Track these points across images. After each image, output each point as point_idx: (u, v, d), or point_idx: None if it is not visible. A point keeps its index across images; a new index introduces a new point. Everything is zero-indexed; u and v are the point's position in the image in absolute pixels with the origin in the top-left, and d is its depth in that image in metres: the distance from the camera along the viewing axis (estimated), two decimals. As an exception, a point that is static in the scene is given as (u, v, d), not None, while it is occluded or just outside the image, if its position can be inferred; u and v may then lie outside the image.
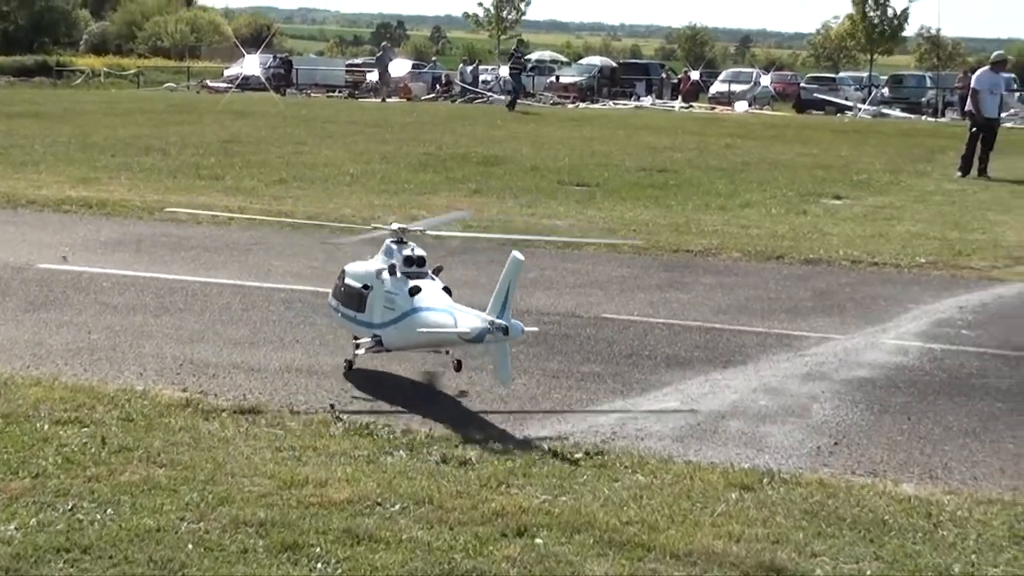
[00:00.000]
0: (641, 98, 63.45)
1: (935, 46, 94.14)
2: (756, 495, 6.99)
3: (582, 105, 57.75)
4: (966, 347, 10.85)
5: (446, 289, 8.75)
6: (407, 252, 8.88)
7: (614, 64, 76.83)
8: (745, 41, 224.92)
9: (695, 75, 73.74)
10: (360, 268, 9.22)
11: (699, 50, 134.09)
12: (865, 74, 78.05)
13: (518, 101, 50.05)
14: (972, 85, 27.44)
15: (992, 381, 9.75)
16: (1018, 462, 7.80)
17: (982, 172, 25.84)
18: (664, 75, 72.95)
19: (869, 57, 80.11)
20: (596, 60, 79.37)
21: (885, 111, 59.30)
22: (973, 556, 6.20)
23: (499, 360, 8.14)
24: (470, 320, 8.15)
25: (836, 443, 8.10)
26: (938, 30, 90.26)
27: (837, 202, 21.07)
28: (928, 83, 69.55)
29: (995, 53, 28.55)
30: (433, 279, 8.82)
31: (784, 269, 14.50)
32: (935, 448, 8.04)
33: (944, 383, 9.67)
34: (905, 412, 8.83)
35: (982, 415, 8.81)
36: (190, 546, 5.97)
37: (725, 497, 6.92)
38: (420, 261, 8.85)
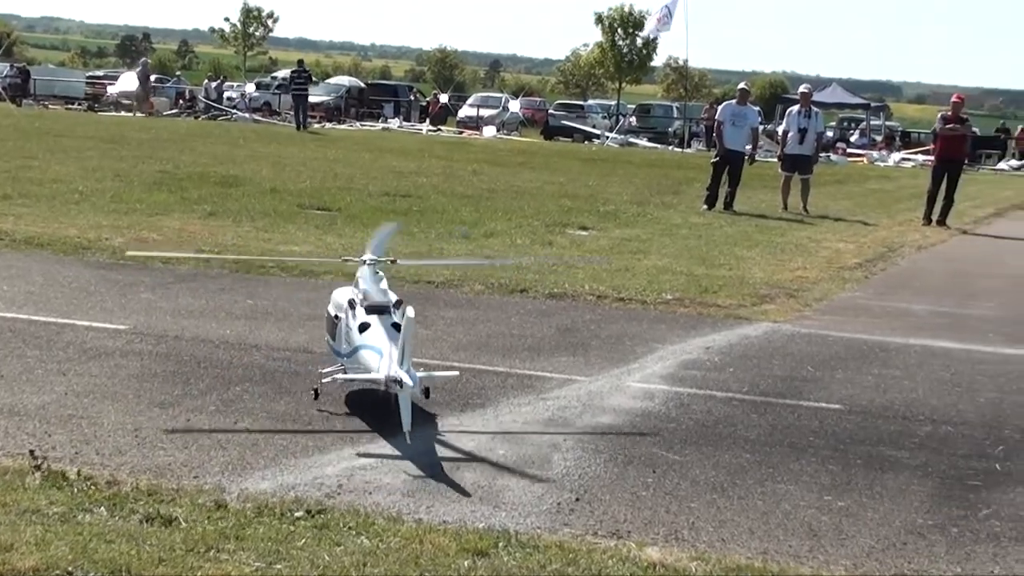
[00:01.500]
0: (389, 120, 62.88)
1: (682, 76, 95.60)
2: (491, 562, 6.38)
3: (328, 125, 56.85)
4: (713, 391, 10.44)
5: (395, 326, 8.54)
6: (372, 294, 8.88)
7: (362, 85, 76.15)
8: (495, 65, 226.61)
9: (444, 98, 73.59)
10: (338, 296, 9.28)
11: (449, 73, 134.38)
12: (613, 102, 78.90)
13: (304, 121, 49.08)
14: (716, 117, 27.54)
15: (740, 430, 9.31)
16: (767, 521, 7.33)
17: (728, 206, 25.86)
18: (413, 97, 72.56)
19: (617, 86, 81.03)
20: (344, 80, 78.48)
21: (632, 140, 59.89)
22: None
23: (401, 410, 7.91)
24: (383, 368, 8.13)
25: (578, 499, 7.54)
26: (685, 61, 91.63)
27: (584, 233, 20.73)
28: (675, 113, 70.61)
29: (740, 85, 28.72)
30: (390, 315, 8.68)
31: (528, 303, 13.98)
32: (681, 505, 7.54)
33: (691, 431, 9.20)
34: (650, 464, 8.32)
35: (730, 468, 8.35)
36: None
37: (456, 565, 6.29)
38: (383, 308, 8.77)
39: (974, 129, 31.54)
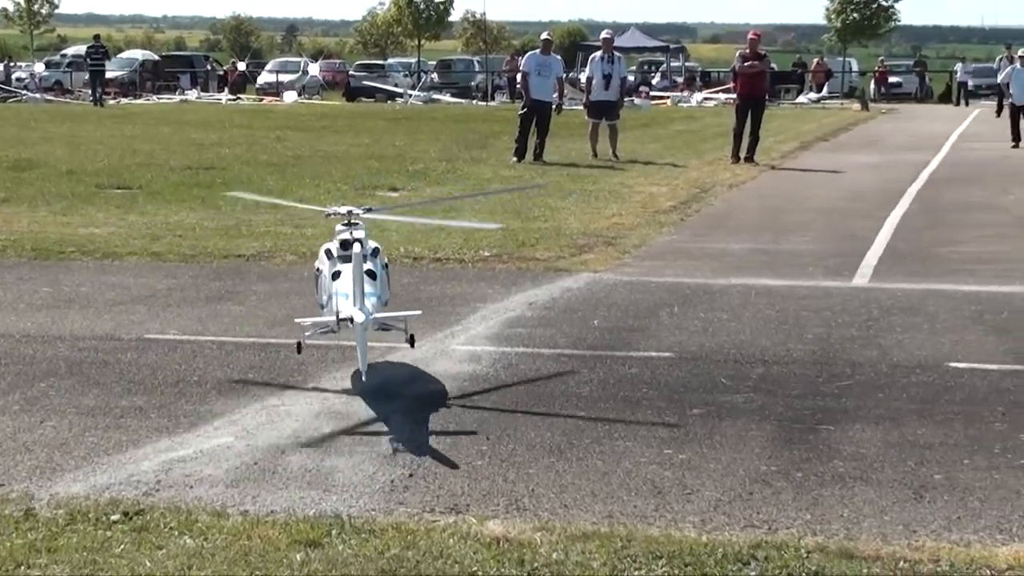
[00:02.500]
0: (187, 91, 61.58)
1: (481, 30, 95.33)
2: (325, 552, 6.02)
3: (124, 101, 55.42)
4: (541, 349, 10.18)
5: (370, 272, 8.52)
6: (344, 235, 8.81)
7: (156, 57, 74.51)
8: (291, 30, 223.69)
9: (242, 66, 72.31)
10: (320, 250, 9.23)
11: (245, 40, 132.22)
12: (414, 60, 78.37)
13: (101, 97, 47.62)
14: (521, 67, 27.30)
15: (572, 387, 9.04)
16: (608, 481, 7.07)
17: (537, 157, 25.64)
18: (210, 67, 71.20)
19: (417, 43, 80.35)
20: (137, 53, 76.69)
21: (436, 96, 59.53)
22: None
23: (358, 348, 7.96)
24: (341, 310, 8.17)
25: (411, 474, 7.20)
26: (483, 14, 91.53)
27: (394, 194, 20.35)
28: (476, 67, 70.44)
29: (543, 35, 28.50)
30: (363, 258, 8.34)
31: (343, 271, 13.57)
32: (519, 472, 7.24)
33: (522, 393, 8.91)
34: (483, 431, 8.02)
35: (565, 428, 8.07)
36: None
37: (289, 560, 5.92)
38: (353, 244, 8.55)
39: (772, 65, 31.68)
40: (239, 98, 59.21)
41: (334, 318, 8.26)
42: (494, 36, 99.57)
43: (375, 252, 8.99)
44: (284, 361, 9.72)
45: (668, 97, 57.41)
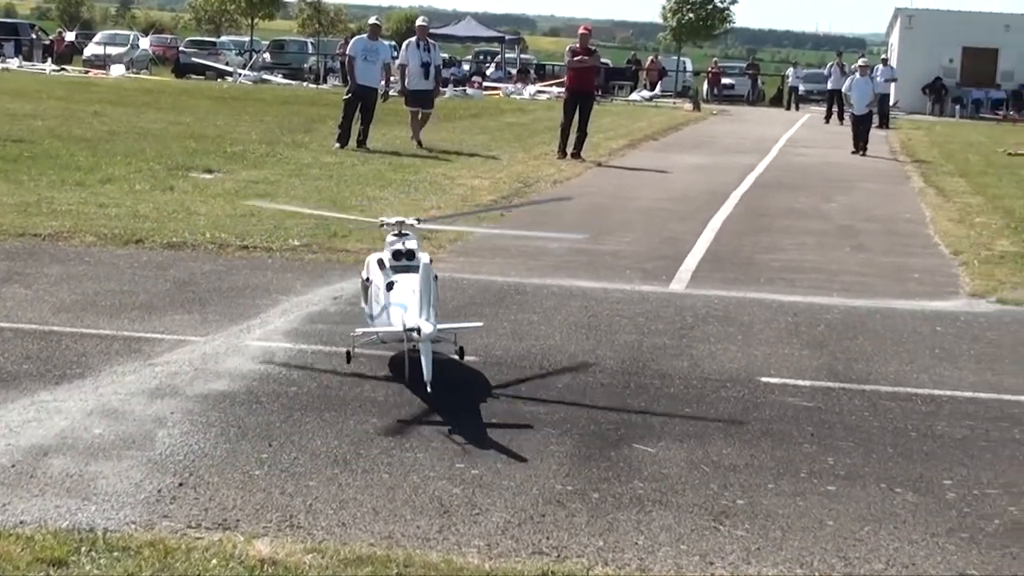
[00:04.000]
0: (8, 60, 59.66)
1: (317, 12, 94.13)
2: (68, 573, 5.47)
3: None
4: (340, 348, 9.59)
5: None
6: (396, 246, 8.85)
7: (-22, 23, 72.25)
8: (126, 2, 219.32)
9: (70, 36, 70.45)
10: (371, 260, 9.15)
11: (75, 10, 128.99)
12: (247, 39, 77.05)
13: None
14: (347, 52, 26.75)
15: (367, 391, 8.56)
16: (393, 497, 6.61)
17: (361, 144, 25.09)
18: (35, 35, 69.13)
19: (250, 22, 78.98)
20: (-42, 19, 74.24)
21: (267, 77, 58.55)
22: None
23: (423, 359, 7.79)
24: (402, 320, 8.06)
25: (181, 483, 6.67)
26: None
27: (208, 176, 19.65)
28: (310, 49, 69.52)
29: (370, 20, 27.91)
30: (418, 273, 8.21)
31: (143, 255, 12.94)
32: (298, 484, 6.74)
33: (314, 395, 8.41)
34: (267, 436, 7.51)
35: (355, 435, 7.59)
36: None
37: (26, 581, 5.36)
38: (409, 255, 8.77)
39: (604, 60, 31.56)
40: (64, 69, 57.49)
41: (395, 329, 8.18)
42: (330, 18, 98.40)
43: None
44: (64, 351, 9.13)
45: (500, 88, 57.06)
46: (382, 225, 9.30)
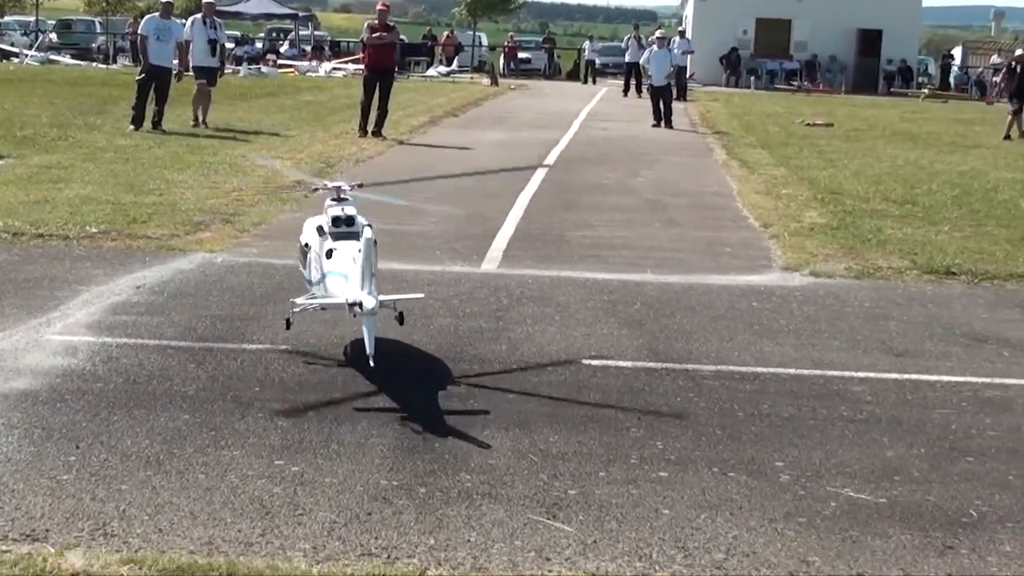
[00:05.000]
0: None
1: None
2: None
3: None
4: (145, 340, 9.28)
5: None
6: (335, 211, 8.71)
7: None
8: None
9: None
10: (307, 225, 9.02)
11: None
12: (33, 19, 74.89)
13: None
14: (139, 31, 26.04)
15: (176, 385, 8.20)
16: (211, 499, 6.29)
17: (156, 125, 24.40)
18: None
19: (35, 2, 76.78)
20: None
21: (54, 57, 56.99)
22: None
23: (365, 333, 7.66)
24: (345, 292, 7.88)
25: (-27, 491, 6.27)
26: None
27: (-1, 162, 18.91)
28: (98, 28, 67.92)
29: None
30: (358, 240, 8.08)
31: (-67, 247, 12.32)
32: (110, 489, 6.38)
33: (121, 391, 8.02)
34: (74, 437, 7.12)
35: (166, 433, 7.24)
36: None
37: None
38: (348, 221, 8.64)
39: (402, 37, 31.16)
40: None
41: (337, 300, 8.05)
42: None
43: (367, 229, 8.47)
44: None
45: (296, 66, 56.32)
46: (315, 190, 9.29)
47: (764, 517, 6.29)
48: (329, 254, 8.42)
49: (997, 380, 9.00)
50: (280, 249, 12.87)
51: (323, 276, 8.45)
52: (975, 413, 8.18)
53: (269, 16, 71.07)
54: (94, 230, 13.32)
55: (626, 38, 51.66)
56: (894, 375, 9.01)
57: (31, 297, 10.41)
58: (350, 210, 8.77)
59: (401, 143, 25.24)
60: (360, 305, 7.60)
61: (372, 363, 7.67)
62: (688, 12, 66.76)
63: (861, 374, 8.99)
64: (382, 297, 7.99)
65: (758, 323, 10.46)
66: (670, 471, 6.89)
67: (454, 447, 7.15)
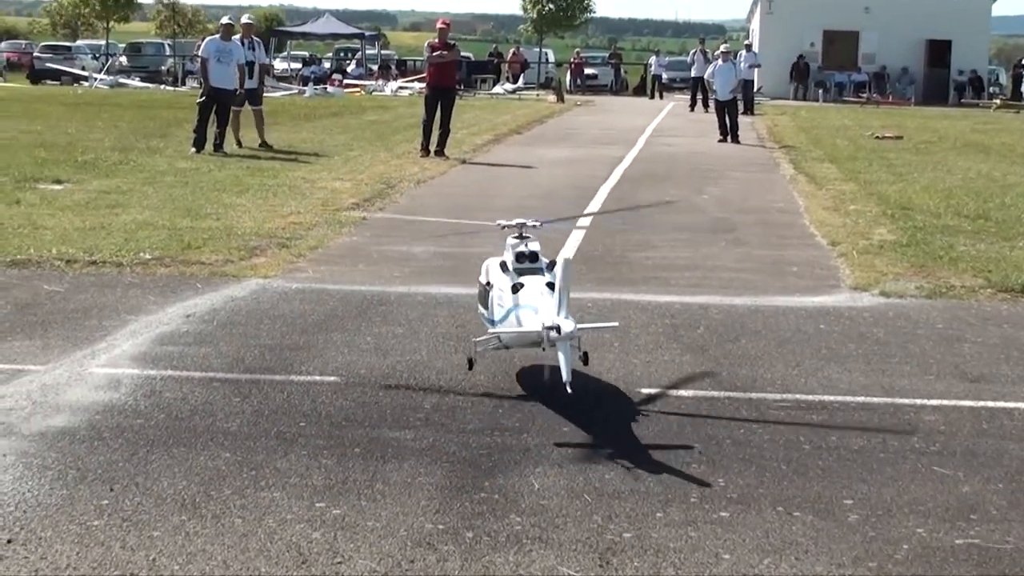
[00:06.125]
0: None
1: (174, 13, 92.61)
2: None
3: None
4: (192, 372, 9.00)
5: (550, 285, 8.10)
6: (519, 248, 8.70)
7: None
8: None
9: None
10: (490, 264, 8.94)
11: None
12: (103, 42, 75.47)
13: None
14: (199, 54, 25.98)
15: (219, 420, 7.91)
16: (246, 546, 5.96)
17: (217, 148, 24.31)
18: None
19: (106, 25, 77.39)
20: None
21: (124, 81, 57.36)
22: None
23: (561, 359, 7.41)
24: (538, 320, 7.69)
25: (10, 540, 5.98)
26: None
27: (57, 187, 18.77)
28: (167, 51, 68.34)
29: (223, 20, 27.01)
30: (543, 274, 8.40)
31: (-16, 277, 12.15)
32: (141, 536, 6.07)
33: (162, 428, 7.73)
34: (108, 478, 6.83)
35: (205, 474, 6.93)
36: None
37: None
38: (532, 257, 8.64)
39: (465, 54, 30.97)
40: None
41: (527, 329, 7.91)
42: (188, 20, 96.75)
43: (551, 266, 8.61)
44: None
45: (361, 86, 56.30)
46: (502, 228, 9.12)
47: (831, 561, 5.89)
48: (515, 289, 8.34)
49: (1079, 407, 8.55)
50: (336, 275, 12.63)
51: (509, 311, 8.31)
52: (1056, 444, 7.74)
53: (336, 36, 71.33)
54: (148, 256, 13.11)
55: (692, 52, 51.18)
56: (968, 402, 8.58)
57: (78, 328, 10.17)
58: (533, 246, 8.74)
59: (464, 162, 24.98)
60: (558, 329, 7.46)
61: (569, 389, 7.45)
62: (755, 25, 66.27)
63: (934, 402, 8.56)
64: (580, 325, 7.81)
65: (826, 347, 10.04)
66: (731, 511, 6.49)
67: (505, 486, 6.80)
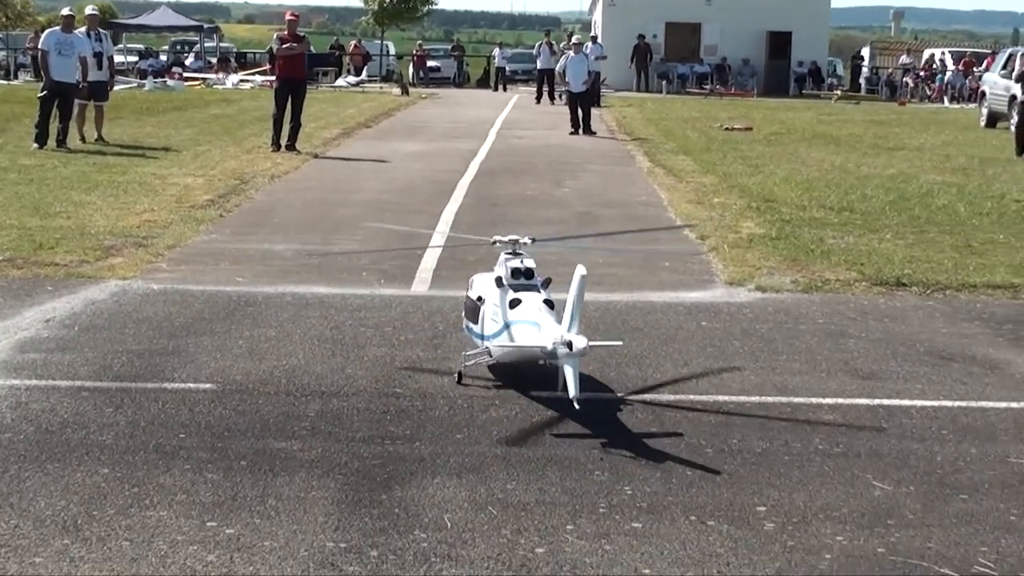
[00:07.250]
0: None
1: (3, 5, 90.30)
2: None
3: None
4: (58, 381, 8.54)
5: (548, 302, 8.22)
6: (514, 264, 8.64)
7: None
8: None
9: None
10: (479, 279, 8.94)
11: None
12: (-72, 34, 73.28)
13: None
14: (40, 46, 25.13)
15: (93, 433, 7.48)
16: (137, 571, 5.60)
17: (60, 143, 23.52)
18: None
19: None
20: None
21: (-48, 74, 55.63)
22: None
23: (567, 375, 7.38)
24: (545, 336, 7.66)
25: None
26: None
27: None
28: (-1, 44, 66.70)
29: (63, 11, 26.15)
30: (539, 291, 8.42)
31: None
32: (23, 562, 5.66)
33: (32, 443, 7.29)
34: (-19, 498, 6.40)
35: (84, 492, 6.52)
36: None
37: None
38: (528, 273, 8.59)
39: (311, 48, 30.43)
40: None
41: (532, 345, 7.83)
42: (18, 12, 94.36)
43: (546, 284, 8.72)
44: None
45: (202, 79, 55.35)
46: (494, 243, 9.06)
47: (755, 574, 5.68)
48: (513, 304, 8.26)
49: (973, 404, 8.46)
50: (198, 275, 12.21)
51: (506, 326, 8.22)
52: (958, 442, 7.62)
53: (173, 28, 70.03)
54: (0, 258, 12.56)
55: (537, 44, 51.05)
56: (864, 400, 8.45)
57: (-69, 335, 9.65)
58: (529, 263, 8.67)
59: (316, 156, 24.52)
60: (570, 345, 7.38)
61: (577, 405, 7.31)
62: (597, 16, 66.44)
63: (830, 400, 8.42)
64: (591, 343, 7.64)
65: (711, 345, 9.87)
66: (644, 521, 6.22)
67: (404, 499, 6.48)
